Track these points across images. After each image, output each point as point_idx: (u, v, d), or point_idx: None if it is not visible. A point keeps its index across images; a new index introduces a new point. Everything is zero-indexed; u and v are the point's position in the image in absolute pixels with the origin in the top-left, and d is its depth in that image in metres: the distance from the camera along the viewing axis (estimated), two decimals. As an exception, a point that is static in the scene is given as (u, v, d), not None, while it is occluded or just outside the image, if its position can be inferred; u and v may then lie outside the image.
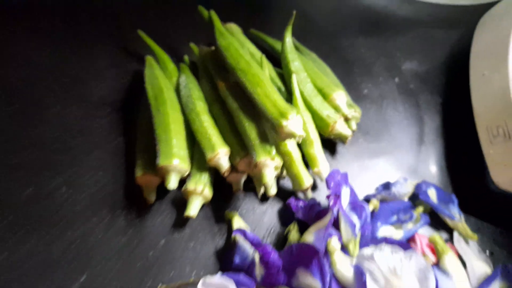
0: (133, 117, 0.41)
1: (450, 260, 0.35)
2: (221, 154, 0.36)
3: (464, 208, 0.41)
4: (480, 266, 0.37)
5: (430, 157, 0.46)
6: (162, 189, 0.38)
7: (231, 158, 0.38)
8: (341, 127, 0.41)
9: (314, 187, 0.42)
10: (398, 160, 0.45)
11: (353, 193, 0.38)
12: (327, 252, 0.33)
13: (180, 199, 0.38)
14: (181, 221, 0.38)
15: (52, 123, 0.40)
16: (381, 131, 0.48)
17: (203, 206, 0.38)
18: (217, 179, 0.39)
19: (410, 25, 0.62)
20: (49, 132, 0.40)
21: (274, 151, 0.36)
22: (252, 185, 0.40)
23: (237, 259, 0.35)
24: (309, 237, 0.35)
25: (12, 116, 0.40)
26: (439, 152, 0.47)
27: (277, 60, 0.48)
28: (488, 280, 0.36)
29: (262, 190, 0.38)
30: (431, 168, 0.45)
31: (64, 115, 0.41)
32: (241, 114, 0.38)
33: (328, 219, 0.34)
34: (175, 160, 0.35)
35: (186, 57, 0.48)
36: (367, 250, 0.34)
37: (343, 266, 0.33)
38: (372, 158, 0.45)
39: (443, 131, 0.48)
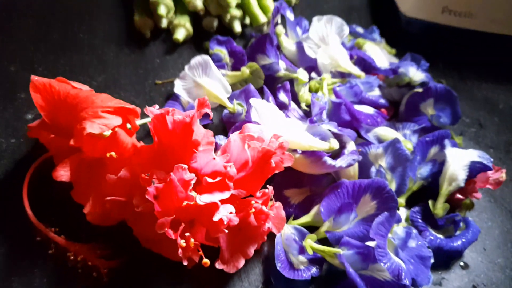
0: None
1: (369, 45, 0.48)
2: (196, -2, 0.50)
3: (385, 36, 0.55)
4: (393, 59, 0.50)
5: (361, 12, 0.60)
6: (155, 32, 0.51)
7: (204, 3, 0.51)
8: (285, -14, 0.55)
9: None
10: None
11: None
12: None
13: (169, 37, 0.51)
14: (170, 48, 0.50)
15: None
16: (320, 1, 0.62)
17: (186, 42, 0.51)
18: (195, 28, 0.52)
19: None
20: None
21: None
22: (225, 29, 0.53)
23: (214, 59, 0.47)
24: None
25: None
26: (365, 14, 0.61)
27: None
28: (401, 61, 0.48)
29: (232, 22, 0.51)
30: (361, 17, 0.59)
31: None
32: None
33: (275, 19, 0.47)
34: (163, -6, 0.48)
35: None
36: (304, 35, 0.46)
37: (289, 45, 0.46)
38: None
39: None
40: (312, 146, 0.35)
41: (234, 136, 0.30)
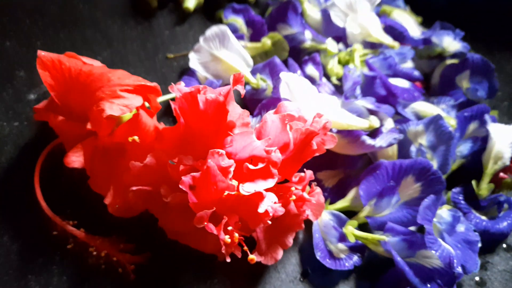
0: None
1: (398, 13, 0.44)
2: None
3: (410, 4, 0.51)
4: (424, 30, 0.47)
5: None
6: (162, 1, 0.47)
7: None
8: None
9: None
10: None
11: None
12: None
13: (177, 6, 0.47)
14: (180, 19, 0.46)
15: None
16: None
17: (196, 11, 0.47)
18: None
19: None
20: None
21: None
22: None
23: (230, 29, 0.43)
24: (284, 3, 0.44)
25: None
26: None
27: None
28: (430, 30, 0.45)
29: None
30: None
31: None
32: None
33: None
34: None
35: None
36: (329, 2, 0.43)
37: (313, 13, 0.42)
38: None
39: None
40: (351, 125, 0.32)
41: (272, 116, 0.27)
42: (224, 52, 0.39)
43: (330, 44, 0.38)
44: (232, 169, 0.24)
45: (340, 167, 0.35)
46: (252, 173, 0.24)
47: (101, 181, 0.29)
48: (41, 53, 0.28)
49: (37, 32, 0.43)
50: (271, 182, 0.24)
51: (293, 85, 0.32)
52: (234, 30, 0.43)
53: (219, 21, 0.47)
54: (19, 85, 0.38)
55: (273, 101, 0.34)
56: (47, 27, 0.43)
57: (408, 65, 0.41)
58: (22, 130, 0.36)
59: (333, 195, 0.34)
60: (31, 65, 0.40)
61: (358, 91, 0.36)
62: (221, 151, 0.25)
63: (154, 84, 0.29)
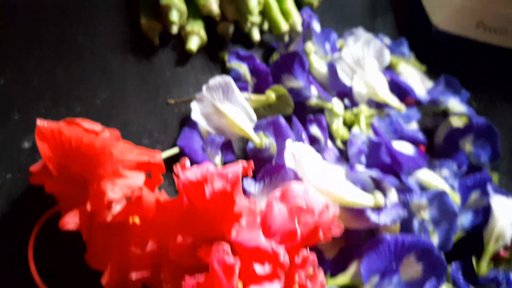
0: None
1: (403, 66, 0.44)
2: (212, 0, 0.44)
3: (414, 50, 0.50)
4: (428, 82, 0.46)
5: (384, 22, 0.55)
6: (164, 37, 0.45)
7: (221, 6, 0.45)
8: (308, -12, 0.50)
9: (290, 38, 0.50)
10: (357, 25, 0.54)
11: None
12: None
13: (180, 44, 0.45)
14: (182, 59, 0.45)
15: None
16: (343, 4, 0.56)
17: (199, 51, 0.45)
18: (209, 33, 0.46)
19: None
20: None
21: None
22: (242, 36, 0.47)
23: (233, 76, 0.42)
24: (290, 51, 0.43)
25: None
26: (391, 16, 0.56)
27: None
28: (435, 86, 0.45)
29: (250, 29, 0.46)
30: (385, 28, 0.55)
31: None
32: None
33: (302, 34, 0.42)
34: (175, -2, 0.42)
35: None
36: (336, 55, 0.42)
37: (319, 65, 0.41)
38: (337, 23, 0.54)
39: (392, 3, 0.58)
40: (356, 202, 0.31)
41: (279, 204, 0.26)
42: (228, 106, 0.38)
43: (336, 105, 0.38)
44: (237, 268, 0.23)
45: (342, 235, 0.34)
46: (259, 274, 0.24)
47: (99, 256, 0.28)
48: (41, 124, 0.27)
49: (32, 66, 0.41)
50: (277, 285, 0.23)
51: (298, 155, 0.32)
52: (237, 76, 0.42)
53: (222, 62, 0.46)
54: (13, 130, 0.37)
55: (278, 168, 0.33)
56: (43, 61, 0.41)
57: (413, 125, 0.40)
58: (16, 183, 0.34)
59: (333, 267, 0.33)
60: (27, 106, 0.39)
61: (363, 159, 0.35)
62: (226, 246, 0.24)
63: (158, 160, 0.28)
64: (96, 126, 0.29)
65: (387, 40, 0.50)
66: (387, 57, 0.39)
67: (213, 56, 0.46)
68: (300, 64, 0.40)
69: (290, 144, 0.32)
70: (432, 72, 0.49)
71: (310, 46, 0.41)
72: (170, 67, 0.44)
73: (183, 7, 0.43)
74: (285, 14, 0.48)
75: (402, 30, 0.54)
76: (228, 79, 0.38)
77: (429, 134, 0.43)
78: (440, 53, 0.51)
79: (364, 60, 0.40)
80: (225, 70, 0.45)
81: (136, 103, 0.41)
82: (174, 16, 0.42)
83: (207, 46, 0.46)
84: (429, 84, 0.46)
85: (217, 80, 0.38)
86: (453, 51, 0.52)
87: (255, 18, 0.45)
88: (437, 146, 0.41)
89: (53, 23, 0.44)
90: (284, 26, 0.47)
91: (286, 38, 0.48)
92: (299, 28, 0.47)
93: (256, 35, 0.47)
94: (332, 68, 0.40)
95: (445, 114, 0.43)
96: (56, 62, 0.42)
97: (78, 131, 0.28)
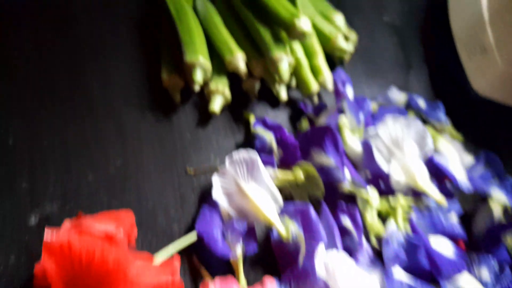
0: (156, 30, 0.45)
1: (443, 143, 0.40)
2: (239, 57, 0.41)
3: (450, 115, 0.47)
4: (467, 157, 0.43)
5: (417, 78, 0.52)
6: (186, 94, 0.42)
7: (248, 64, 0.42)
8: (342, 42, 0.46)
9: (319, 97, 0.46)
10: (389, 81, 0.51)
11: (354, 96, 0.43)
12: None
13: (202, 101, 0.42)
14: (204, 119, 0.42)
15: (81, 28, 0.44)
16: (374, 55, 0.53)
17: (222, 109, 0.42)
18: (233, 90, 0.43)
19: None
20: (79, 39, 0.43)
21: (288, 48, 0.40)
22: (268, 93, 0.44)
23: (257, 145, 0.39)
24: (322, 122, 0.40)
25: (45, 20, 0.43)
26: (425, 73, 0.52)
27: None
28: (475, 164, 0.41)
29: (278, 89, 0.43)
30: (419, 85, 0.51)
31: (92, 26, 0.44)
32: (255, 21, 0.42)
33: (336, 105, 0.39)
34: (200, 56, 0.39)
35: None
36: (371, 130, 0.39)
37: (353, 143, 0.38)
38: (367, 78, 0.50)
39: (427, 56, 0.54)
40: (393, 324, 0.28)
41: None
42: (252, 185, 0.34)
43: (372, 195, 0.34)
44: None
45: None
46: None
47: None
48: (49, 239, 0.24)
49: (43, 122, 0.38)
50: None
51: (332, 266, 0.29)
52: (263, 146, 0.39)
53: (246, 122, 0.42)
54: (19, 200, 0.34)
55: (306, 275, 0.30)
56: (55, 115, 0.38)
57: (452, 217, 0.37)
58: (19, 267, 0.31)
59: None
60: (36, 172, 0.36)
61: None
62: None
63: (177, 280, 0.25)
64: (110, 226, 0.26)
65: (422, 103, 0.47)
66: (430, 143, 0.36)
67: (237, 114, 0.43)
68: (332, 141, 0.37)
69: (323, 252, 0.29)
70: (469, 141, 0.46)
71: (343, 120, 0.38)
72: (190, 128, 0.41)
73: (208, 65, 0.40)
74: (315, 70, 0.45)
75: (438, 90, 0.51)
76: (254, 155, 0.35)
77: (468, 218, 0.40)
78: (480, 121, 0.48)
79: (404, 142, 0.36)
80: (249, 133, 0.42)
81: (152, 172, 0.38)
82: (198, 76, 0.39)
83: (231, 103, 0.43)
84: (467, 159, 0.42)
85: (242, 155, 0.35)
86: (495, 120, 0.48)
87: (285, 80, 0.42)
88: (476, 235, 0.38)
89: (66, 70, 0.41)
90: (314, 86, 0.43)
91: (316, 99, 0.45)
92: (330, 87, 0.44)
93: (283, 95, 0.43)
94: (367, 147, 0.37)
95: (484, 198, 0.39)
96: (68, 118, 0.39)
97: (90, 243, 0.25)
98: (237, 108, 0.43)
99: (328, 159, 0.37)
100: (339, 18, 0.49)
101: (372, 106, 0.44)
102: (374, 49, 0.54)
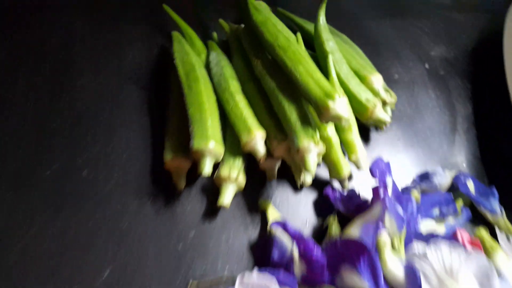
0: (163, 94, 0.38)
1: (502, 258, 0.33)
2: (257, 138, 0.33)
3: (503, 202, 0.39)
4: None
5: (465, 146, 0.44)
6: (191, 174, 0.35)
7: (267, 142, 0.35)
8: (380, 112, 0.38)
9: (349, 176, 0.39)
10: (432, 149, 0.43)
11: (395, 184, 0.36)
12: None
13: (211, 186, 0.35)
14: (212, 210, 0.35)
15: (84, 91, 0.38)
16: (414, 118, 0.45)
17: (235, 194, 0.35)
18: (249, 165, 0.36)
19: (432, 8, 0.60)
20: (81, 102, 0.37)
21: (318, 135, 0.33)
22: (289, 172, 0.37)
23: (275, 255, 0.32)
24: (355, 231, 0.32)
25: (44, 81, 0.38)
26: (473, 141, 0.45)
27: (305, 41, 0.44)
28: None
29: (302, 178, 0.35)
30: (466, 158, 0.43)
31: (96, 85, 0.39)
32: (280, 94, 0.35)
33: (378, 211, 0.31)
34: (211, 142, 0.32)
35: (215, 34, 0.44)
36: (418, 248, 0.31)
37: (394, 265, 0.31)
38: (406, 146, 0.43)
39: (477, 119, 0.46)
40: None
41: None
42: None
43: None
44: None
45: None
46: None
47: None
48: None
49: (27, 216, 0.31)
50: None
51: None
52: (281, 254, 0.32)
53: (263, 214, 0.35)
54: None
55: None
56: (41, 207, 0.32)
57: None
58: None
59: None
60: None
61: None
62: None
63: None
64: None
65: (471, 185, 0.39)
66: (497, 285, 0.28)
67: (251, 200, 0.36)
68: (369, 263, 0.30)
69: None
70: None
71: (384, 238, 0.31)
72: (195, 222, 0.34)
73: (220, 151, 0.32)
74: (347, 146, 0.38)
75: (489, 169, 0.43)
76: (269, 280, 0.28)
77: None
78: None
79: (459, 273, 0.29)
80: (265, 228, 0.35)
81: (154, 276, 0.31)
82: (207, 166, 0.32)
83: (244, 188, 0.35)
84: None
85: (254, 277, 0.29)
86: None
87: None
88: None
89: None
90: (346, 170, 0.36)
91: (346, 183, 0.37)
92: (364, 166, 0.37)
93: (308, 181, 0.36)
94: (412, 274, 0.30)
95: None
96: (58, 202, 0.32)
97: None
98: (251, 192, 0.36)
99: (363, 282, 0.30)
100: (377, 79, 0.41)
101: (413, 194, 0.37)
102: (412, 108, 0.46)
